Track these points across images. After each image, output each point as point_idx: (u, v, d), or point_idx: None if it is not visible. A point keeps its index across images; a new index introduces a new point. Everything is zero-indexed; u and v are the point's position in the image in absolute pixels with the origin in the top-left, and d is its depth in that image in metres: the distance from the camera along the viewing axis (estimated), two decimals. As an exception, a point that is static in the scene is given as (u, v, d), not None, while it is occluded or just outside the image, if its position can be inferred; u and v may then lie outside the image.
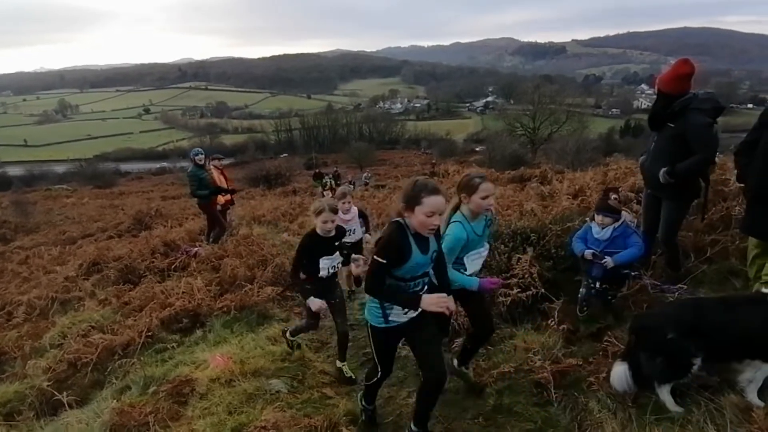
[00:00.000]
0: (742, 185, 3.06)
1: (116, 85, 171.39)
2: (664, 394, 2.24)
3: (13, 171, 50.33)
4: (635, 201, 4.45)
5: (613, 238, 3.01)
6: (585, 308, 3.23)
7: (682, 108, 3.00)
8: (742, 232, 2.95)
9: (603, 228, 3.04)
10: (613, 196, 3.06)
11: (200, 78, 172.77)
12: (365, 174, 25.20)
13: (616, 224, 3.00)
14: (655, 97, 3.25)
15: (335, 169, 25.22)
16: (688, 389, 2.28)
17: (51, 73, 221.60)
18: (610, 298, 3.10)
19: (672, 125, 3.09)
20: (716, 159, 3.17)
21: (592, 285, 3.15)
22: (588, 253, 3.05)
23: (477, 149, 49.66)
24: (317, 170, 23.87)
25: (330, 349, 4.02)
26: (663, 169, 3.08)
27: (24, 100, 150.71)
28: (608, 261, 2.99)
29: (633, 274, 3.16)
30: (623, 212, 3.10)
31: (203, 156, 7.19)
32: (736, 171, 3.03)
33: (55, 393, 3.24)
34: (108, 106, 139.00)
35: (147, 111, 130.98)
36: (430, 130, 78.70)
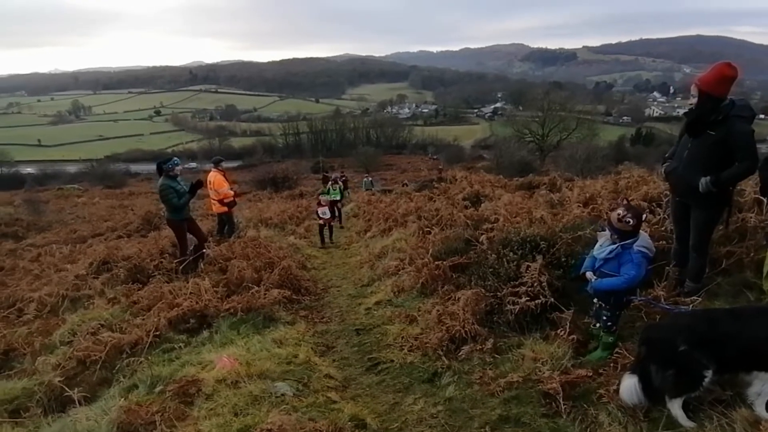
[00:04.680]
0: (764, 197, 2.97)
1: (128, 87, 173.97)
2: (676, 408, 2.19)
3: (27, 170, 51.24)
4: (648, 210, 4.40)
5: (608, 259, 2.83)
6: (597, 323, 3.14)
7: (724, 115, 2.91)
8: None
9: (610, 243, 2.85)
10: (627, 217, 2.73)
11: (210, 81, 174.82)
12: (367, 179, 24.39)
13: (613, 246, 2.79)
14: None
15: (342, 173, 24.95)
16: (701, 404, 2.24)
17: (65, 75, 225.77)
18: (605, 319, 2.91)
19: (712, 132, 2.98)
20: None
21: (593, 302, 3.04)
22: (589, 275, 2.93)
23: (485, 155, 49.54)
24: (324, 174, 23.90)
25: (335, 353, 4.02)
26: (705, 178, 2.96)
27: (38, 100, 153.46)
28: (591, 281, 2.89)
29: (633, 299, 2.94)
30: (642, 234, 2.86)
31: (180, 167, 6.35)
32: (760, 185, 2.96)
33: (65, 389, 3.26)
34: (120, 108, 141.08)
35: (158, 113, 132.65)
36: (437, 136, 78.72)
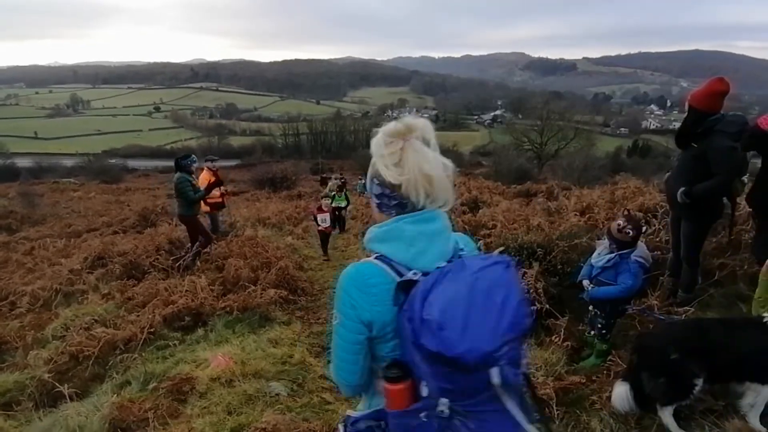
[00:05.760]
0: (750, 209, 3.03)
1: (128, 82, 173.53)
2: (667, 416, 2.21)
3: (22, 162, 50.80)
4: (644, 221, 4.44)
5: (605, 268, 2.86)
6: (592, 331, 3.16)
7: (707, 129, 2.97)
8: (757, 258, 2.89)
9: (608, 252, 2.89)
10: (627, 228, 2.78)
11: (211, 79, 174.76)
12: (361, 181, 24.36)
13: (611, 255, 2.82)
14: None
15: (341, 175, 24.91)
16: (693, 413, 2.26)
17: (65, 68, 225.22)
18: (599, 327, 2.94)
19: (695, 145, 3.06)
20: (744, 180, 3.09)
21: (589, 309, 3.07)
22: (585, 283, 2.97)
23: (483, 162, 49.73)
24: (323, 176, 23.82)
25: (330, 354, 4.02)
26: (680, 189, 3.05)
27: (36, 93, 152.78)
28: (587, 289, 2.92)
29: (627, 308, 2.99)
30: (640, 244, 2.89)
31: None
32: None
33: (56, 384, 3.24)
34: (119, 103, 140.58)
35: (157, 109, 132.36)
36: (437, 141, 78.94)
